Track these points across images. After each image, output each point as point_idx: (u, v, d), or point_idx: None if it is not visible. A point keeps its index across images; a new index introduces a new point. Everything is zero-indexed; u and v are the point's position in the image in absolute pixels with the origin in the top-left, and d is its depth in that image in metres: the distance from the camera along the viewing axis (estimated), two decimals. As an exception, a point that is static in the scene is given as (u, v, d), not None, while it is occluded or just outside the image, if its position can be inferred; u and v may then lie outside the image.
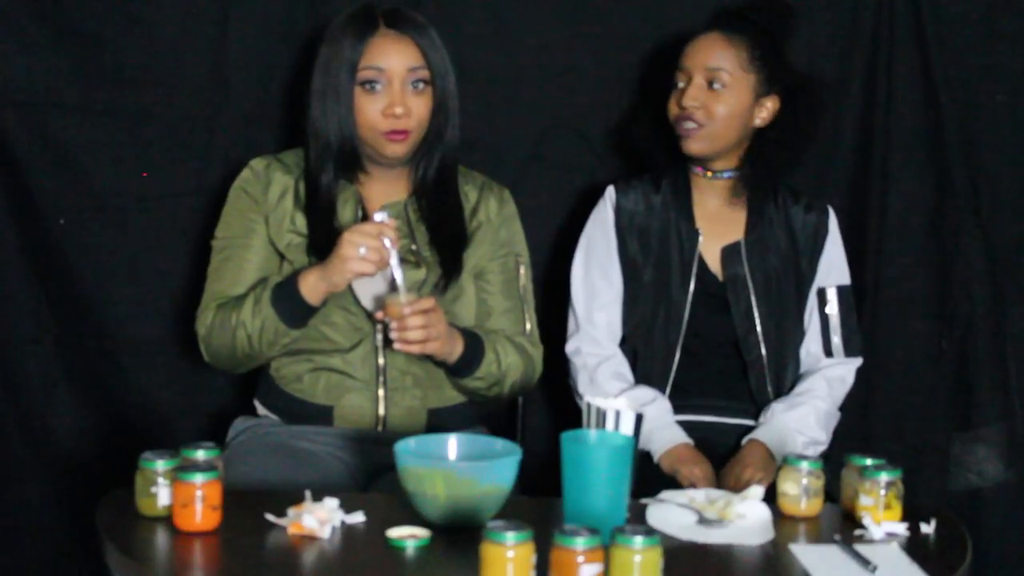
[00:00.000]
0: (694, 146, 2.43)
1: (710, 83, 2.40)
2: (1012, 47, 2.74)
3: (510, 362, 2.31)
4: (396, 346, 2.13)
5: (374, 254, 2.10)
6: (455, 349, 2.22)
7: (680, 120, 2.42)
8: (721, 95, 2.41)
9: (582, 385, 2.46)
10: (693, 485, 2.27)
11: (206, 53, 2.63)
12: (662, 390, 2.44)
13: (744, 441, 2.38)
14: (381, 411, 2.28)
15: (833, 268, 2.52)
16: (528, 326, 2.40)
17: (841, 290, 2.51)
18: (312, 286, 2.16)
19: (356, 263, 2.10)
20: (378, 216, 2.15)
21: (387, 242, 2.10)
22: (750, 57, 2.42)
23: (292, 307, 2.17)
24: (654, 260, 2.47)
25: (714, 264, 2.48)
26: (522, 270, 2.41)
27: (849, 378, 2.51)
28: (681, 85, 2.43)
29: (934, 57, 2.71)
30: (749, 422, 2.46)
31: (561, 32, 2.72)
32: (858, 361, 2.52)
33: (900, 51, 2.72)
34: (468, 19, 2.67)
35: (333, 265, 2.12)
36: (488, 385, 2.30)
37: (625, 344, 2.49)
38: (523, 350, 2.35)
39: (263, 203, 2.31)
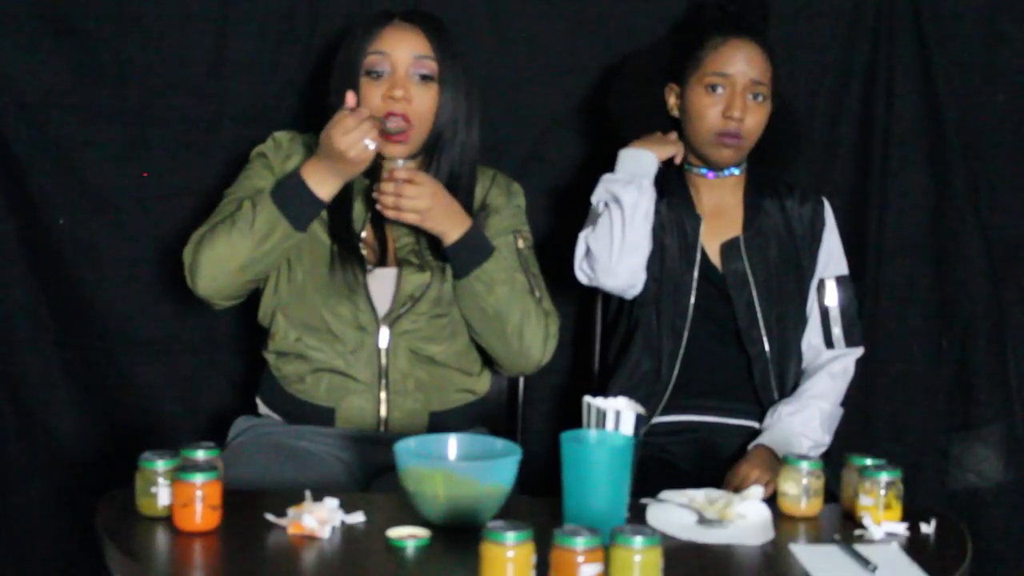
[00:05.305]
0: (733, 156, 2.43)
1: (753, 95, 2.40)
2: (1012, 47, 2.74)
3: (519, 289, 2.27)
4: (378, 207, 2.20)
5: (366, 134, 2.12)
6: (452, 230, 2.22)
7: (725, 131, 2.40)
8: (762, 107, 2.42)
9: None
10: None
11: (206, 53, 2.63)
12: (667, 381, 2.43)
13: (750, 447, 2.37)
14: (383, 413, 2.28)
15: (832, 259, 2.52)
16: (538, 294, 2.34)
17: (840, 280, 2.51)
18: (321, 179, 2.16)
19: (365, 155, 2.11)
20: (350, 99, 2.17)
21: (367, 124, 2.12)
22: (774, 67, 2.43)
23: (300, 203, 2.16)
24: (658, 253, 2.46)
25: (715, 258, 2.48)
26: (520, 242, 2.37)
27: (851, 369, 2.50)
28: (720, 91, 2.40)
29: (934, 57, 2.71)
30: (753, 423, 2.46)
31: (561, 32, 2.72)
32: (859, 351, 2.52)
33: (900, 51, 2.72)
34: (468, 19, 2.67)
35: (346, 168, 2.14)
36: (488, 287, 2.24)
37: (630, 335, 2.48)
38: (537, 301, 2.31)
39: (279, 172, 2.30)
